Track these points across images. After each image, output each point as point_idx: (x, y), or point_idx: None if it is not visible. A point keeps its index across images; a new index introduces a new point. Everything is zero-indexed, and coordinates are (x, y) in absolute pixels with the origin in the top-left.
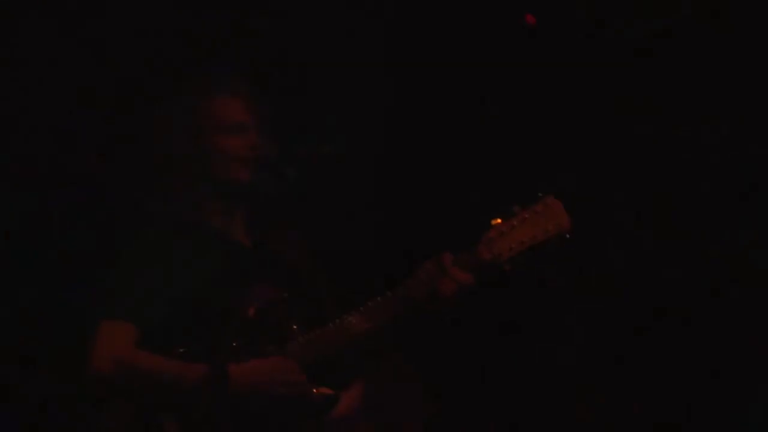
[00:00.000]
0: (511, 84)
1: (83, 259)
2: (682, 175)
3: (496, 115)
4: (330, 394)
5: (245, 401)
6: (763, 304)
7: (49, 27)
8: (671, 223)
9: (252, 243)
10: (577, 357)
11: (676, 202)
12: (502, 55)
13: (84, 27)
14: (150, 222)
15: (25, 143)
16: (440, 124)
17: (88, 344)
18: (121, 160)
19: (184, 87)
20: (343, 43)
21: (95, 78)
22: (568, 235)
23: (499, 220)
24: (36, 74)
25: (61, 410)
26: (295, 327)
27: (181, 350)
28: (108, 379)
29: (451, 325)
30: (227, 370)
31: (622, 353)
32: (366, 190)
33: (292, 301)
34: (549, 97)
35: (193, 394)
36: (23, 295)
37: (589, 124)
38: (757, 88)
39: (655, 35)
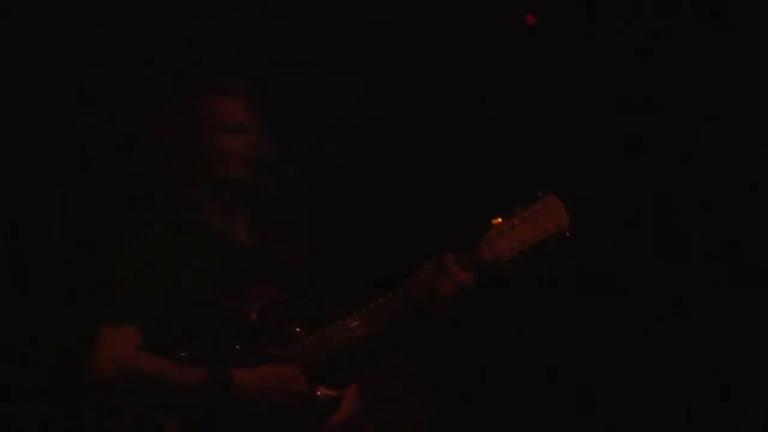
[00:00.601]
0: (512, 84)
1: (83, 258)
2: (682, 175)
3: (496, 115)
4: (332, 396)
5: (247, 405)
6: (763, 304)
7: (50, 26)
8: (671, 223)
9: (252, 243)
10: (577, 357)
11: (676, 202)
12: (503, 55)
13: (85, 27)
14: (150, 222)
15: (26, 143)
16: (440, 124)
17: (90, 346)
18: (122, 161)
19: (184, 87)
20: (343, 43)
21: (95, 78)
22: (568, 234)
23: (499, 220)
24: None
25: (60, 410)
26: (297, 329)
27: (183, 354)
28: (110, 382)
29: (451, 324)
30: (229, 373)
31: (622, 353)
32: (366, 190)
33: (293, 301)
34: (549, 97)
35: (195, 397)
36: (23, 295)
37: (589, 124)
38: (757, 88)
39: (655, 35)
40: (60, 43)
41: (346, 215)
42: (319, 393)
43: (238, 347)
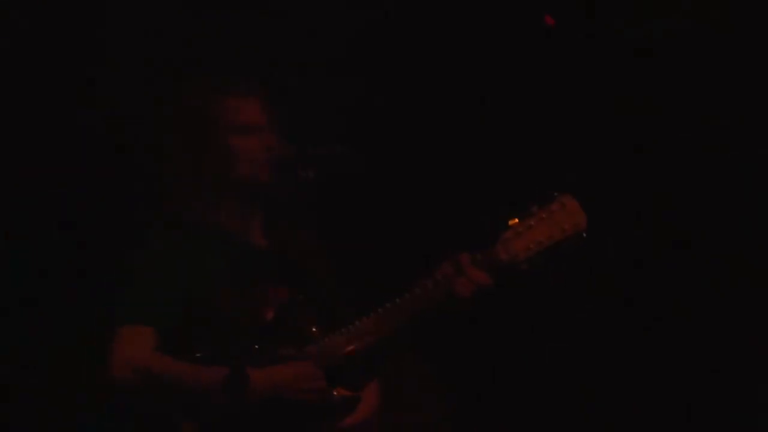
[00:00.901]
0: (512, 85)
1: (84, 259)
2: (682, 175)
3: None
4: (348, 396)
5: (264, 405)
6: (763, 304)
7: (52, 26)
8: (671, 223)
9: (267, 244)
10: (586, 356)
11: (676, 202)
12: (504, 56)
13: (94, 27)
14: (165, 223)
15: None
16: (455, 126)
17: (107, 349)
18: (136, 162)
19: (199, 88)
20: (355, 44)
21: (106, 79)
22: (584, 235)
23: (516, 221)
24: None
25: (60, 410)
26: (313, 330)
27: (198, 355)
28: (127, 383)
29: (464, 325)
30: (246, 373)
31: (622, 353)
32: (381, 191)
33: (309, 303)
34: (549, 97)
35: (212, 398)
36: (24, 295)
37: (589, 124)
38: (757, 88)
39: (655, 35)
40: (66, 43)
41: (362, 216)
42: (335, 393)
43: (256, 348)
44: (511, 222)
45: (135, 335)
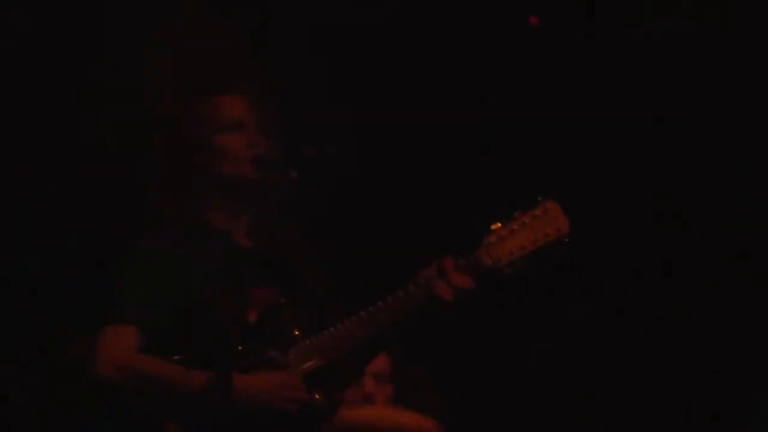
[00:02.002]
0: (512, 85)
1: (83, 259)
2: (682, 175)
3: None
4: (331, 398)
5: (247, 410)
6: (763, 304)
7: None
8: (671, 223)
9: (253, 245)
10: (579, 358)
11: (676, 202)
12: (503, 56)
13: (88, 29)
14: (153, 223)
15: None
16: (441, 129)
17: (92, 348)
18: (124, 162)
19: (186, 87)
20: (346, 44)
21: (94, 78)
22: (567, 240)
23: (499, 225)
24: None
25: (60, 410)
26: (297, 332)
27: (176, 357)
28: (109, 382)
29: (458, 327)
30: (231, 378)
31: (623, 353)
32: (368, 194)
33: (294, 305)
34: (549, 97)
35: (195, 400)
36: (24, 296)
37: (589, 124)
38: (757, 87)
39: (656, 35)
40: (61, 43)
41: (348, 218)
42: (317, 396)
43: (241, 349)
44: (494, 226)
45: (119, 334)
